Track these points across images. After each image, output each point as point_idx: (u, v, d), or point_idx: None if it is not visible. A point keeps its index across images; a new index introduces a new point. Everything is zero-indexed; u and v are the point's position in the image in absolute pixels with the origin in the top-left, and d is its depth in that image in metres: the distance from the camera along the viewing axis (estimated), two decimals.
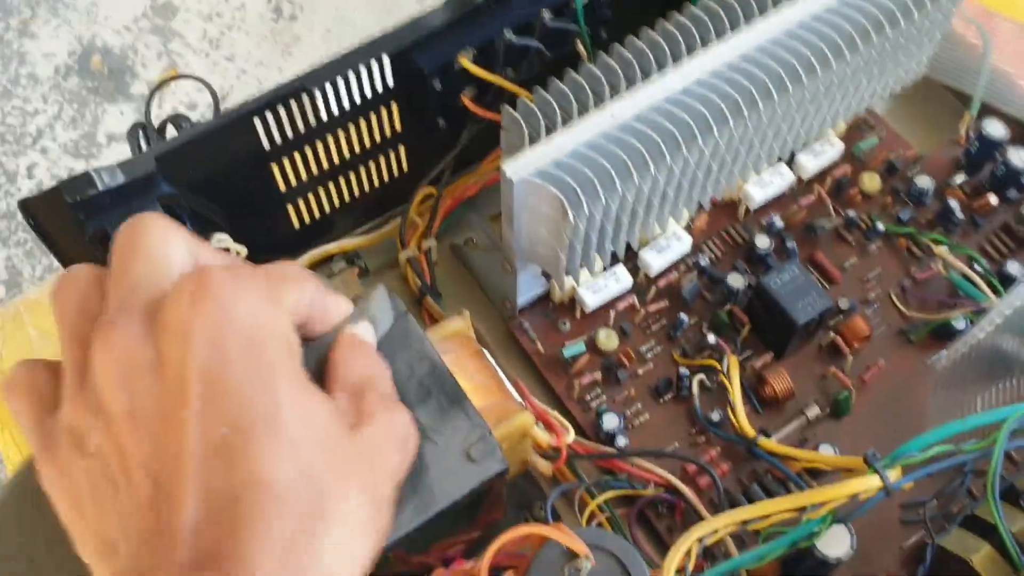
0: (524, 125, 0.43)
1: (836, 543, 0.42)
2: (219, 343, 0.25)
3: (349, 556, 0.26)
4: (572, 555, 0.37)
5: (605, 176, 0.42)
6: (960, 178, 0.56)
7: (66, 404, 0.26)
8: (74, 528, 0.27)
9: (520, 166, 0.42)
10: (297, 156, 0.49)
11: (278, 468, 0.24)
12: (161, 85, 0.59)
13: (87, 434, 0.26)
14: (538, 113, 0.43)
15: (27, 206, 0.43)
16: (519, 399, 0.45)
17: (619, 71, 0.44)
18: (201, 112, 1.18)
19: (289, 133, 0.47)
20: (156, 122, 0.59)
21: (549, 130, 0.43)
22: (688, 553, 0.39)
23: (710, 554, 0.45)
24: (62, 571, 0.36)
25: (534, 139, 0.43)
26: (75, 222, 0.43)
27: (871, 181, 0.56)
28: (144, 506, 0.24)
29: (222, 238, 0.48)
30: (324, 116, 0.48)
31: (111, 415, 0.25)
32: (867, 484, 0.39)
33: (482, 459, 0.37)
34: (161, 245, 0.27)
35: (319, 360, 0.31)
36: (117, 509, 0.25)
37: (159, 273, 0.27)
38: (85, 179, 0.42)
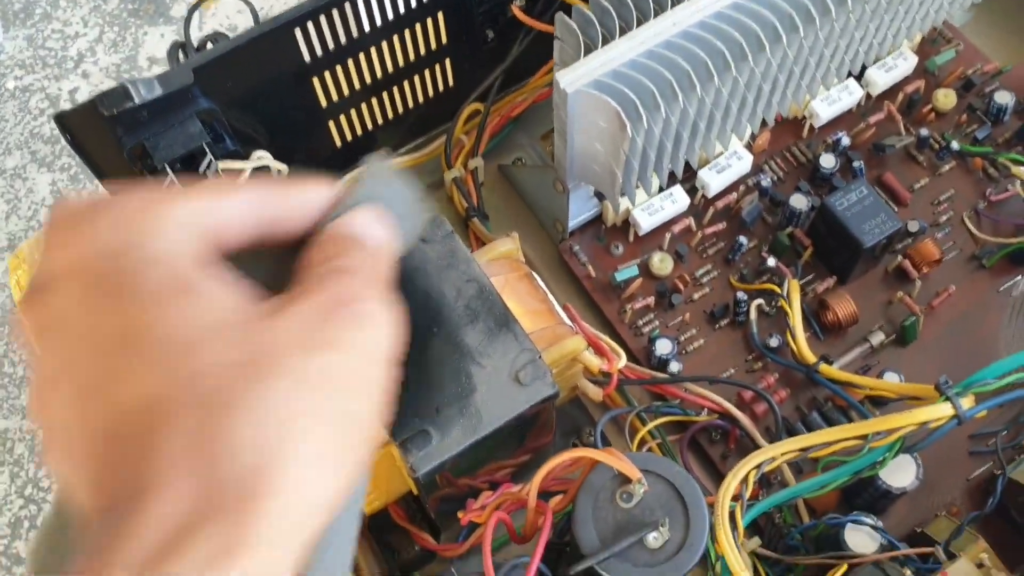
0: (580, 34, 0.40)
1: (901, 473, 0.41)
2: (83, 274, 0.23)
3: (276, 460, 0.21)
4: (624, 480, 0.36)
5: (666, 87, 0.40)
6: None
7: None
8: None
9: (575, 77, 0.40)
10: (339, 69, 0.47)
11: (157, 372, 0.21)
12: (200, 3, 0.57)
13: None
14: (595, 21, 0.40)
15: (63, 120, 0.41)
16: (570, 323, 0.44)
17: None
18: None
19: (331, 44, 0.45)
20: (196, 43, 0.57)
21: (606, 39, 0.41)
22: (745, 480, 0.38)
23: (765, 481, 0.44)
24: None
25: (590, 49, 0.41)
26: (112, 137, 0.42)
27: (946, 98, 0.53)
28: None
29: (262, 155, 0.46)
30: (367, 27, 0.46)
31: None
32: (938, 412, 0.37)
33: (532, 382, 0.36)
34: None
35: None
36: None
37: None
38: (122, 91, 0.41)
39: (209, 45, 0.58)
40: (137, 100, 0.40)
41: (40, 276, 0.23)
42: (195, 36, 0.58)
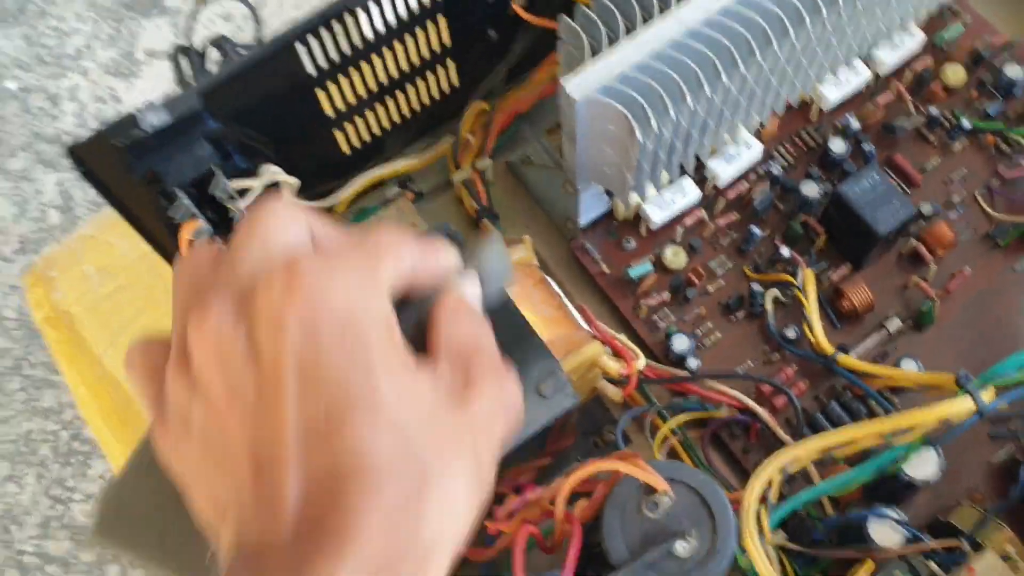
0: (584, 36, 0.40)
1: (923, 465, 0.41)
2: (312, 332, 0.25)
3: (452, 520, 0.26)
4: (650, 489, 0.36)
5: (674, 89, 0.39)
6: None
7: (169, 382, 0.27)
8: (188, 497, 0.28)
9: (581, 82, 0.39)
10: (343, 80, 0.47)
11: (378, 444, 0.24)
12: (199, 5, 0.56)
13: (190, 412, 0.26)
14: (598, 22, 0.40)
15: (75, 152, 0.41)
16: (587, 327, 0.44)
17: None
18: (238, 23, 1.14)
19: (334, 56, 0.45)
20: (193, 39, 0.57)
21: (611, 40, 0.40)
22: (769, 482, 0.38)
23: (789, 477, 0.44)
24: (190, 534, 0.37)
25: (595, 51, 0.40)
26: (123, 165, 0.42)
27: (955, 74, 0.52)
28: (248, 484, 0.25)
29: (273, 170, 0.46)
30: (369, 35, 0.45)
31: (210, 397, 0.26)
32: (959, 407, 0.37)
33: (553, 395, 0.37)
34: (278, 229, 0.27)
35: (422, 320, 0.29)
36: (223, 484, 0.26)
37: (268, 257, 0.26)
38: (130, 121, 0.40)
39: (212, 50, 0.58)
40: (147, 128, 0.40)
41: (270, 310, 0.25)
42: (189, 27, 0.58)
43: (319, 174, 0.51)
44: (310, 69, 0.45)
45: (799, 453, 0.38)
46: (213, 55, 0.57)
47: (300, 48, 0.43)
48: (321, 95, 0.47)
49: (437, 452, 0.26)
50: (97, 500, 0.40)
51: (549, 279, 0.44)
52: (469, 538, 0.27)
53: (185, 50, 0.58)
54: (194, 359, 0.26)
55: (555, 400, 0.36)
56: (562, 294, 0.44)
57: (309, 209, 0.29)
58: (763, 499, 0.38)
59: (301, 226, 0.28)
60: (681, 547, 0.35)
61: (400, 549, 0.24)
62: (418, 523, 0.25)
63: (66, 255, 0.61)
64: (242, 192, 0.45)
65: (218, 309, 0.26)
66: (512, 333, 0.37)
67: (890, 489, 0.42)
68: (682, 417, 0.46)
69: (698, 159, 0.47)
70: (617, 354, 0.44)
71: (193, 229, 0.45)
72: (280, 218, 0.27)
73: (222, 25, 1.15)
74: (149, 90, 1.20)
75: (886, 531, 0.40)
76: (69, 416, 1.10)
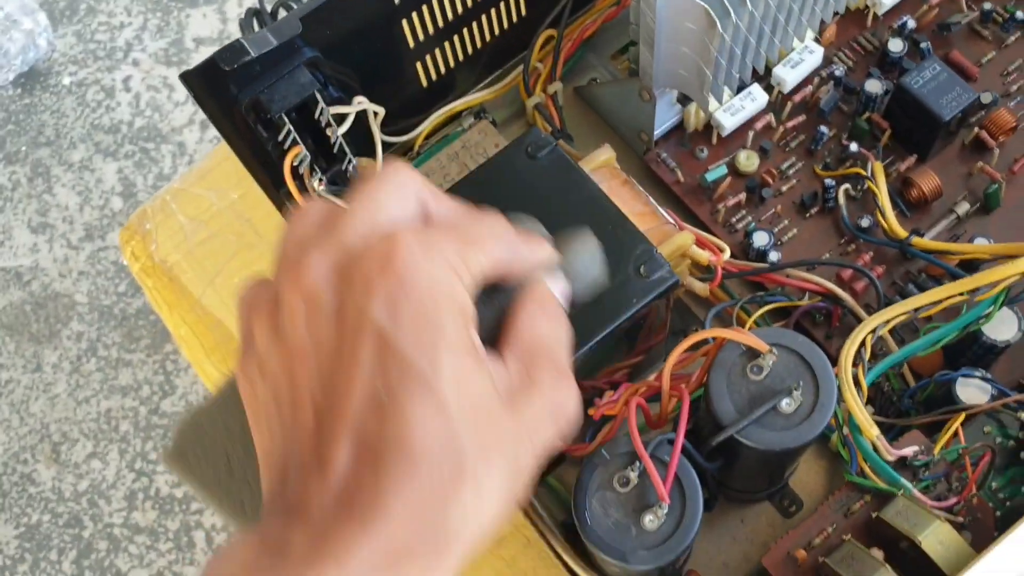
0: None
1: (1004, 327, 0.43)
2: (395, 308, 0.26)
3: (478, 515, 0.27)
4: (753, 355, 0.38)
5: None
6: None
7: (257, 322, 0.29)
8: (253, 436, 0.29)
9: None
10: (425, 9, 0.50)
11: (424, 432, 0.25)
12: None
13: (269, 357, 0.28)
14: None
15: (187, 79, 0.44)
16: (673, 223, 0.46)
17: None
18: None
19: None
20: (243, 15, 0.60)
21: None
22: (863, 343, 0.40)
23: (871, 354, 0.46)
24: (250, 480, 0.39)
25: None
26: (229, 93, 0.45)
27: None
28: (306, 438, 0.27)
29: (361, 100, 0.49)
30: None
31: (289, 346, 0.27)
32: None
33: (653, 273, 0.39)
34: (389, 200, 0.29)
35: (504, 309, 0.30)
36: (283, 433, 0.28)
37: (373, 228, 0.28)
38: (238, 47, 0.43)
39: (281, 12, 0.60)
40: (253, 53, 0.43)
41: (363, 280, 0.26)
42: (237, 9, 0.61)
43: (400, 111, 0.54)
44: None
45: (891, 315, 0.40)
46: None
47: None
48: (405, 25, 0.50)
49: (479, 447, 0.26)
50: (177, 423, 0.42)
51: (632, 179, 0.46)
52: (491, 535, 0.27)
53: (256, 13, 0.61)
54: (283, 308, 0.28)
55: (656, 278, 0.39)
56: (647, 193, 0.46)
57: (423, 180, 0.30)
58: (858, 361, 0.40)
59: (411, 199, 0.29)
60: (786, 404, 0.37)
61: (422, 535, 0.25)
62: (445, 513, 0.26)
63: (159, 209, 0.64)
64: (339, 119, 0.47)
65: (316, 267, 0.27)
66: (608, 222, 0.40)
67: (972, 355, 0.44)
68: (766, 308, 0.48)
69: (766, 64, 0.49)
70: (704, 248, 0.46)
71: (296, 155, 0.48)
72: (393, 189, 0.29)
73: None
74: None
75: (973, 391, 0.42)
76: (146, 392, 1.14)
